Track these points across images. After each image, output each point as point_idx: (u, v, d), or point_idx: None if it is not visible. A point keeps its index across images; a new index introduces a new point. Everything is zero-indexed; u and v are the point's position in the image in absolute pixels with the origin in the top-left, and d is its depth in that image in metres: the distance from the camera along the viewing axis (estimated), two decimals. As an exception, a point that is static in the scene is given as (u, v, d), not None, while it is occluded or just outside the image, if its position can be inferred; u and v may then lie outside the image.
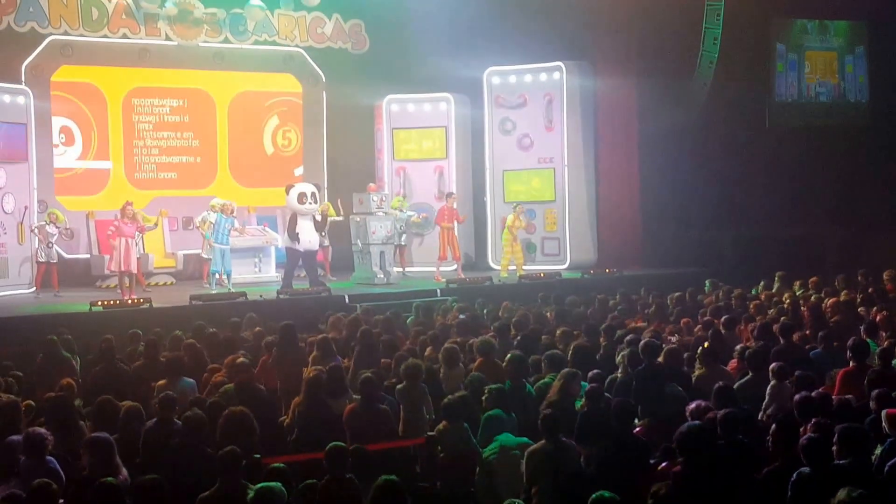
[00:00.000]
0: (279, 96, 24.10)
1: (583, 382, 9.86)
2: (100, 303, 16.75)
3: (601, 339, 12.50)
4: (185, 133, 23.06)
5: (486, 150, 23.66)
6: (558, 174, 23.11)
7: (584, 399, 9.21)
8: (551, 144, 23.19)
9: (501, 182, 23.49)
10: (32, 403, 10.14)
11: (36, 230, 19.41)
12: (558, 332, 12.62)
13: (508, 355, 10.44)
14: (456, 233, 21.77)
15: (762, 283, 17.88)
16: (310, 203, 19.23)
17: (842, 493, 5.40)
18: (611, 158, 23.40)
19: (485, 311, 15.81)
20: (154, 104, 22.69)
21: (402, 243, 22.21)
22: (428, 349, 12.25)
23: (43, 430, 7.89)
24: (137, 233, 18.58)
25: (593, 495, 6.09)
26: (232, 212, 19.66)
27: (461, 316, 14.50)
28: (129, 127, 22.39)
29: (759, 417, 9.36)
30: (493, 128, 23.61)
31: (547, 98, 23.24)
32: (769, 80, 24.83)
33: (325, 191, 23.17)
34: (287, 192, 19.48)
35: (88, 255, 21.29)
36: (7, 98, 19.77)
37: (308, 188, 19.51)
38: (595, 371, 10.15)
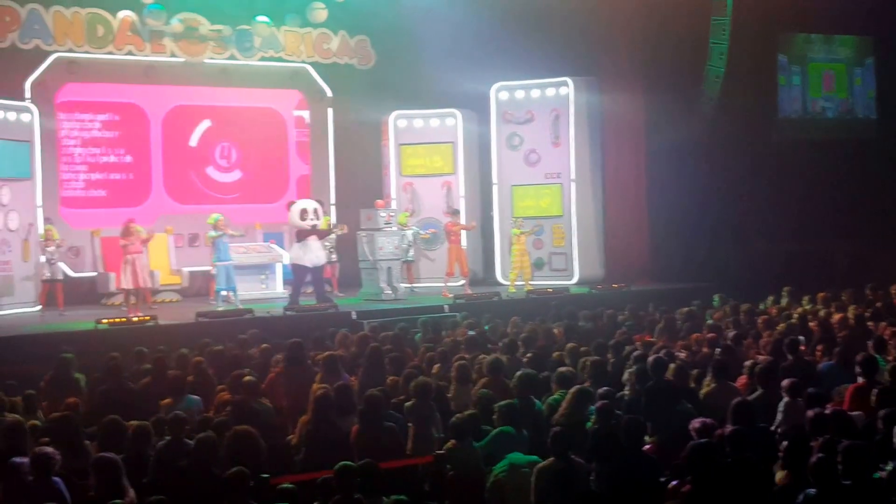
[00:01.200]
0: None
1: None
2: (105, 320, 16.75)
3: (609, 356, 12.49)
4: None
5: (493, 165, 23.68)
6: (565, 189, 23.14)
7: (593, 416, 9.17)
8: (558, 160, 23.22)
9: (509, 197, 23.49)
10: (38, 423, 10.13)
11: (43, 249, 19.42)
12: (567, 348, 12.58)
13: (518, 373, 10.41)
14: (464, 248, 21.76)
15: (770, 297, 17.84)
16: (311, 219, 19.23)
17: None
18: (618, 173, 23.41)
19: (487, 328, 15.74)
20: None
21: (410, 259, 22.19)
22: (436, 366, 12.22)
23: (49, 450, 7.84)
24: (143, 247, 18.62)
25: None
26: (223, 227, 19.47)
27: (470, 332, 14.47)
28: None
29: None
30: (501, 143, 23.64)
31: (554, 113, 23.27)
32: (774, 95, 24.83)
33: (334, 207, 23.25)
34: (289, 208, 19.50)
35: (94, 273, 21.29)
36: (12, 115, 19.82)
37: (310, 204, 19.52)
38: (604, 388, 10.11)
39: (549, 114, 23.34)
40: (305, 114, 24.28)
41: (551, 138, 23.31)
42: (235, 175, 23.66)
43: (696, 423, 8.45)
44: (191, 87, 22.98)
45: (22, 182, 19.91)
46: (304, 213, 19.20)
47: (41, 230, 19.94)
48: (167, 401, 10.63)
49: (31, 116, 20.28)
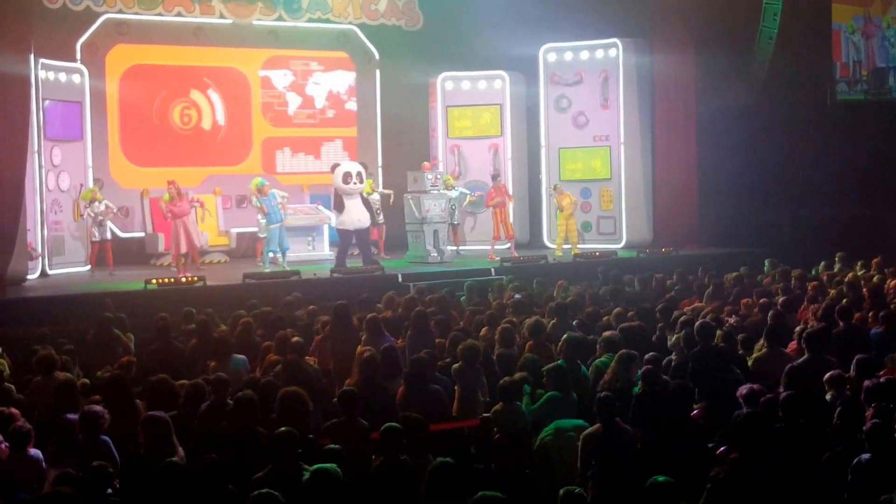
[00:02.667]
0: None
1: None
2: (154, 281, 16.91)
3: (657, 321, 12.41)
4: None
5: (541, 127, 23.53)
6: (614, 152, 22.97)
7: (639, 381, 9.11)
8: (607, 122, 23.05)
9: (557, 160, 23.34)
10: (88, 381, 10.26)
11: (86, 212, 19.61)
12: (613, 312, 12.51)
13: (565, 336, 10.36)
14: (510, 211, 21.69)
15: (822, 263, 17.60)
16: (355, 182, 19.25)
17: None
18: (668, 136, 23.13)
19: (535, 284, 15.70)
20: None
21: (456, 222, 22.15)
22: (483, 329, 12.20)
23: (99, 409, 7.95)
24: (192, 208, 18.75)
25: (650, 479, 6.02)
26: (268, 191, 19.53)
27: (516, 295, 14.42)
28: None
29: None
30: (549, 105, 23.48)
31: (603, 75, 23.05)
32: (829, 57, 24.36)
33: (381, 169, 23.24)
34: (332, 170, 19.53)
35: (143, 234, 21.49)
36: (63, 77, 19.98)
37: (354, 167, 19.55)
38: (651, 353, 10.04)
39: (598, 76, 23.13)
40: (352, 76, 24.20)
41: (600, 100, 23.12)
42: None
43: (743, 390, 8.37)
44: (239, 49, 22.97)
45: (73, 143, 20.11)
46: (347, 177, 19.22)
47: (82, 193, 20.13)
48: (214, 363, 10.70)
49: (82, 78, 20.47)
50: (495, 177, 22.11)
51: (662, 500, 5.91)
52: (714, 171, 22.88)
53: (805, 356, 9.97)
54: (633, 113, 22.95)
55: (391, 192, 21.64)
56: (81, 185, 20.11)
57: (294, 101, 23.80)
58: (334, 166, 19.61)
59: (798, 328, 11.34)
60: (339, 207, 19.17)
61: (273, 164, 23.40)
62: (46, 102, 19.26)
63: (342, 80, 24.23)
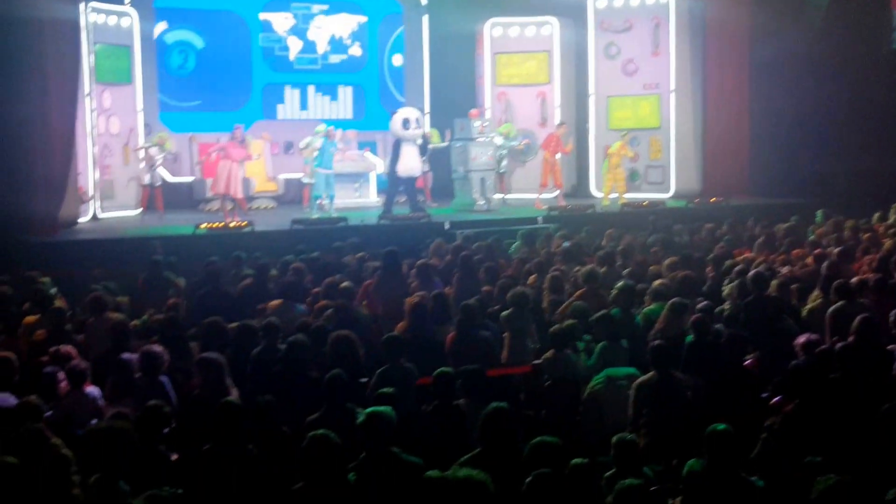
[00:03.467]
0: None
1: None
2: (203, 226, 17.00)
3: (708, 270, 12.30)
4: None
5: (589, 75, 23.27)
6: (664, 100, 22.68)
7: (692, 330, 9.04)
8: (657, 70, 22.72)
9: (605, 108, 23.11)
10: (139, 323, 10.36)
11: (143, 151, 19.72)
12: (665, 262, 12.41)
13: (618, 284, 10.30)
14: (558, 161, 21.52)
15: (877, 214, 17.33)
16: (414, 128, 19.16)
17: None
18: (719, 84, 22.75)
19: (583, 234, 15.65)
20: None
21: (503, 170, 22.03)
22: (531, 277, 12.17)
23: (158, 349, 8.03)
24: (243, 160, 18.83)
25: (708, 428, 5.97)
26: (335, 136, 19.70)
27: (565, 244, 14.35)
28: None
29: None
30: (598, 52, 23.18)
31: (654, 22, 22.70)
32: (888, 4, 23.78)
33: (428, 116, 23.11)
34: (391, 116, 19.45)
35: (192, 178, 21.59)
36: (112, 20, 19.99)
37: (413, 113, 19.44)
38: (705, 303, 9.95)
39: (648, 22, 22.77)
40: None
41: (650, 48, 22.78)
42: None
43: (801, 340, 8.28)
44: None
45: (123, 87, 20.15)
46: (406, 123, 19.13)
47: (142, 135, 20.21)
48: (276, 303, 10.75)
49: (131, 21, 20.44)
50: (560, 124, 21.82)
51: (722, 448, 5.85)
52: (766, 119, 22.52)
53: (864, 306, 9.83)
54: (684, 60, 22.58)
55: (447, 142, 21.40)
56: (131, 130, 20.17)
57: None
58: (393, 112, 19.53)
59: (854, 279, 11.15)
60: (396, 153, 19.06)
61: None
62: (96, 46, 19.28)
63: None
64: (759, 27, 22.16)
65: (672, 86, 22.57)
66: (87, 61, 18.50)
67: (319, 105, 23.62)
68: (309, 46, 23.56)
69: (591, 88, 23.27)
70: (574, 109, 23.58)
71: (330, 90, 23.82)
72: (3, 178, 16.07)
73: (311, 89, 23.63)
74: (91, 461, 5.65)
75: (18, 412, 6.36)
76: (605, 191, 21.50)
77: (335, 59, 23.82)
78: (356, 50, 24.02)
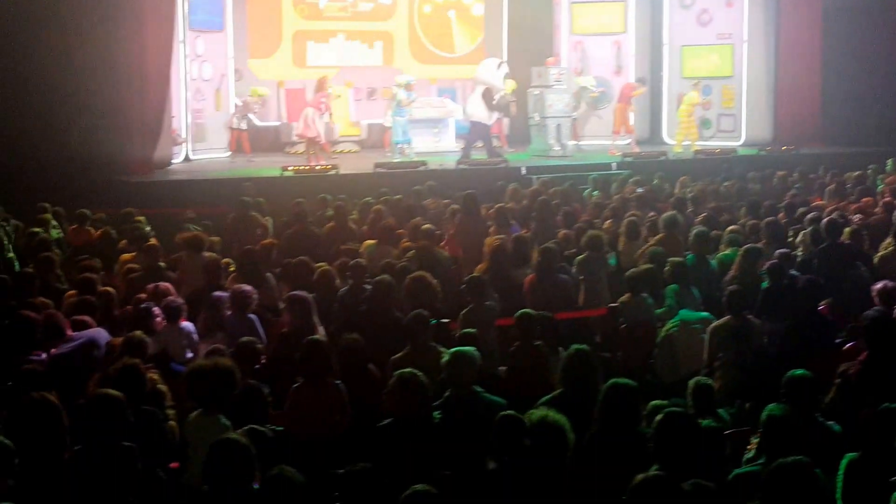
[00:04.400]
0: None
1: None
2: (290, 168, 17.01)
3: (780, 217, 11.98)
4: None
5: (664, 24, 22.75)
6: (737, 50, 22.10)
7: (767, 275, 8.80)
8: (731, 19, 22.14)
9: (679, 57, 22.59)
10: (230, 261, 10.38)
11: (241, 104, 19.75)
12: (740, 209, 12.12)
13: (694, 230, 10.08)
14: (632, 108, 21.13)
15: (950, 164, 16.73)
16: (507, 78, 19.05)
17: None
18: (793, 33, 22.04)
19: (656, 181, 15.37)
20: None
21: (577, 116, 21.69)
22: (607, 222, 11.97)
23: (248, 288, 8.02)
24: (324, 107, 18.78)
25: (787, 373, 5.78)
26: (412, 88, 19.46)
27: (638, 190, 14.09)
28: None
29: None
30: (673, 2, 22.66)
31: (729, -29, 22.07)
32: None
33: (505, 64, 22.69)
34: (483, 63, 19.22)
35: (278, 123, 21.59)
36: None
37: (496, 62, 19.35)
38: (781, 250, 9.68)
39: (723, -28, 22.15)
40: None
41: (725, -2, 22.20)
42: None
43: (878, 286, 8.00)
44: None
45: (214, 33, 20.11)
46: (492, 70, 19.04)
47: (232, 81, 20.22)
48: (371, 242, 10.71)
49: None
50: (640, 79, 21.40)
51: (801, 393, 5.67)
52: (839, 68, 21.80)
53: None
54: (757, 10, 21.96)
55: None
56: (223, 75, 20.19)
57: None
58: (493, 61, 19.31)
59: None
60: (489, 100, 18.81)
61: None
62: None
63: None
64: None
65: (745, 35, 21.96)
66: (181, 8, 18.48)
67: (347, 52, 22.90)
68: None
69: (665, 38, 22.75)
70: (648, 59, 23.12)
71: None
72: (102, 121, 16.18)
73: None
74: (194, 396, 5.66)
75: (124, 347, 6.38)
76: (678, 138, 21.08)
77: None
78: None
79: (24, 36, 15.30)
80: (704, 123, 22.00)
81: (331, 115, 19.55)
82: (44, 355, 6.97)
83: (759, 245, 9.62)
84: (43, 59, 15.37)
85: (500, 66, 18.94)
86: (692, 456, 4.83)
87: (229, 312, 7.89)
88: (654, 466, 4.70)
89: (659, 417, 5.01)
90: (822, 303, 8.74)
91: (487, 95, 18.83)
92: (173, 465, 5.71)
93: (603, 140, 21.49)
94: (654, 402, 5.81)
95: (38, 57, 15.32)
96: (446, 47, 23.37)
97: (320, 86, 18.74)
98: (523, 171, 17.98)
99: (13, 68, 15.28)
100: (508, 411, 5.26)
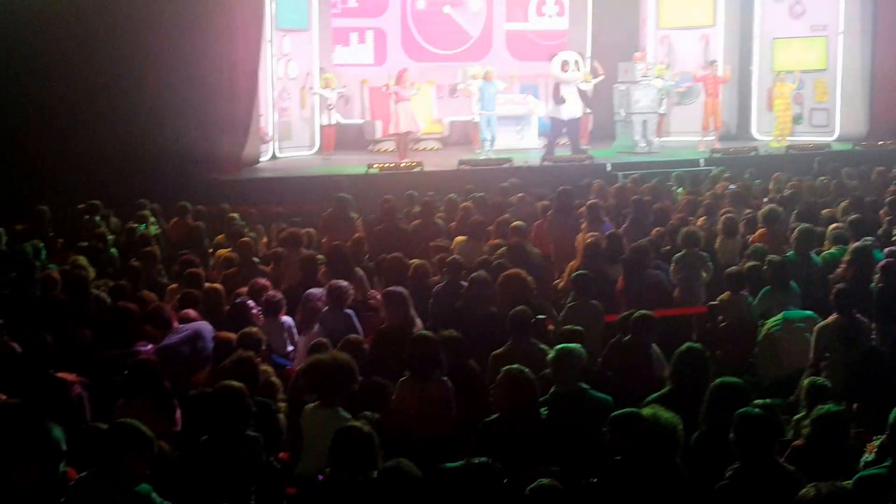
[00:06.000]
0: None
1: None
2: (376, 165, 17.12)
3: (882, 213, 11.69)
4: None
5: (755, 17, 22.37)
6: (831, 42, 21.62)
7: (882, 275, 8.59)
8: (825, 11, 21.65)
9: (770, 50, 22.21)
10: (322, 257, 10.46)
11: (317, 95, 19.94)
12: (839, 205, 11.86)
13: (798, 227, 9.89)
14: (720, 101, 20.83)
15: None
16: (572, 70, 18.78)
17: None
18: (890, 24, 21.45)
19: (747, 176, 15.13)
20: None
21: (663, 112, 21.45)
22: (701, 219, 11.81)
23: (345, 284, 8.07)
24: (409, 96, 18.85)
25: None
26: (492, 77, 19.37)
27: (731, 186, 13.88)
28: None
29: None
30: (764, -6, 22.27)
31: (823, -38, 21.62)
32: None
33: (590, 59, 22.60)
34: (550, 60, 19.12)
35: (362, 121, 21.73)
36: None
37: (571, 56, 19.06)
38: (891, 248, 9.44)
39: (818, -37, 21.72)
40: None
41: (819, -12, 21.76)
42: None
43: None
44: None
45: (300, 32, 20.31)
46: (564, 65, 18.77)
47: (317, 79, 20.40)
48: (462, 238, 10.71)
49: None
50: (712, 62, 21.09)
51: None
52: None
53: None
54: (854, 1, 21.44)
55: (601, 76, 20.79)
56: (308, 73, 20.38)
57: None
58: (552, 55, 19.19)
59: None
60: (556, 96, 18.74)
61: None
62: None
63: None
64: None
65: (840, 27, 21.48)
66: (269, 7, 18.71)
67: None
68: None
69: (756, 30, 22.37)
70: (738, 52, 22.73)
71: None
72: (193, 119, 16.43)
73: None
74: (313, 389, 5.74)
75: (240, 341, 6.48)
76: (775, 133, 20.76)
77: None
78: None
79: (118, 37, 15.59)
80: (796, 118, 21.60)
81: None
82: (150, 346, 7.13)
83: (869, 242, 9.38)
84: (137, 60, 15.67)
85: (563, 65, 18.70)
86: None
87: (326, 308, 7.95)
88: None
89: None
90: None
91: (556, 91, 18.73)
92: (282, 455, 5.80)
93: (686, 135, 21.26)
94: (757, 402, 5.74)
95: (133, 57, 15.61)
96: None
97: (399, 78, 18.81)
98: (609, 167, 17.84)
99: (108, 69, 15.59)
100: (621, 409, 5.22)
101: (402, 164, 17.49)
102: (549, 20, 23.55)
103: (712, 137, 20.68)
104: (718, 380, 5.78)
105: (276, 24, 19.28)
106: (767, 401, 6.23)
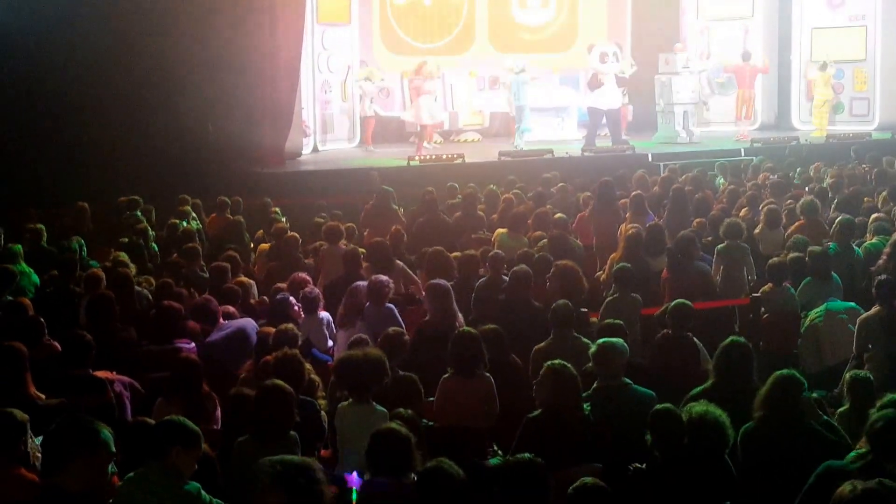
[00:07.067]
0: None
1: None
2: (417, 157, 17.04)
3: (925, 203, 11.46)
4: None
5: (793, 7, 22.06)
6: (870, 31, 21.28)
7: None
8: (864, 1, 21.32)
9: (809, 40, 21.86)
10: (363, 251, 10.40)
11: (360, 86, 19.92)
12: (881, 194, 11.63)
13: (839, 218, 9.70)
14: (756, 92, 20.58)
15: None
16: (611, 62, 18.60)
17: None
18: (930, 14, 21.13)
19: (797, 171, 14.88)
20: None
21: (705, 102, 21.19)
22: (743, 210, 11.63)
23: (385, 278, 7.98)
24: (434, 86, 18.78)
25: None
26: (522, 70, 19.18)
27: (772, 177, 13.67)
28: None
29: None
30: (803, -16, 21.94)
31: (862, -49, 21.25)
32: None
33: (629, 51, 22.37)
34: (589, 51, 18.93)
35: (401, 114, 21.65)
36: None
37: (609, 48, 18.89)
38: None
39: (857, -48, 21.34)
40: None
41: (858, -22, 21.39)
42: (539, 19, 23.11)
43: None
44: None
45: (342, 26, 20.26)
46: (603, 56, 18.59)
47: (358, 72, 20.37)
48: (503, 230, 10.62)
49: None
50: (748, 55, 20.82)
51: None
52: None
53: None
54: (894, -11, 21.11)
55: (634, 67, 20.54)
56: (349, 67, 20.34)
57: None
58: (591, 46, 19.01)
59: None
60: (594, 86, 18.57)
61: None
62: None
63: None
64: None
65: (879, 16, 21.13)
66: (310, 1, 18.66)
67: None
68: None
69: (795, 20, 22.08)
70: (777, 42, 22.43)
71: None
72: (236, 113, 16.45)
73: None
74: (345, 385, 5.68)
75: (277, 338, 6.43)
76: (816, 123, 20.47)
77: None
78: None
79: (161, 32, 15.63)
80: (836, 107, 21.28)
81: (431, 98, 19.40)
82: (192, 344, 7.09)
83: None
84: (179, 55, 15.70)
85: (601, 56, 18.51)
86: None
87: (368, 303, 7.89)
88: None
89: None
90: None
91: (593, 81, 18.54)
92: (324, 452, 5.75)
93: (722, 126, 21.09)
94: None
95: (175, 53, 15.64)
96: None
97: (418, 70, 18.69)
98: (650, 158, 17.66)
99: (151, 65, 15.62)
100: (664, 405, 5.12)
101: (443, 157, 17.37)
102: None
103: (747, 128, 20.47)
104: (778, 373, 5.54)
105: (317, 17, 19.23)
106: (812, 394, 6.11)
